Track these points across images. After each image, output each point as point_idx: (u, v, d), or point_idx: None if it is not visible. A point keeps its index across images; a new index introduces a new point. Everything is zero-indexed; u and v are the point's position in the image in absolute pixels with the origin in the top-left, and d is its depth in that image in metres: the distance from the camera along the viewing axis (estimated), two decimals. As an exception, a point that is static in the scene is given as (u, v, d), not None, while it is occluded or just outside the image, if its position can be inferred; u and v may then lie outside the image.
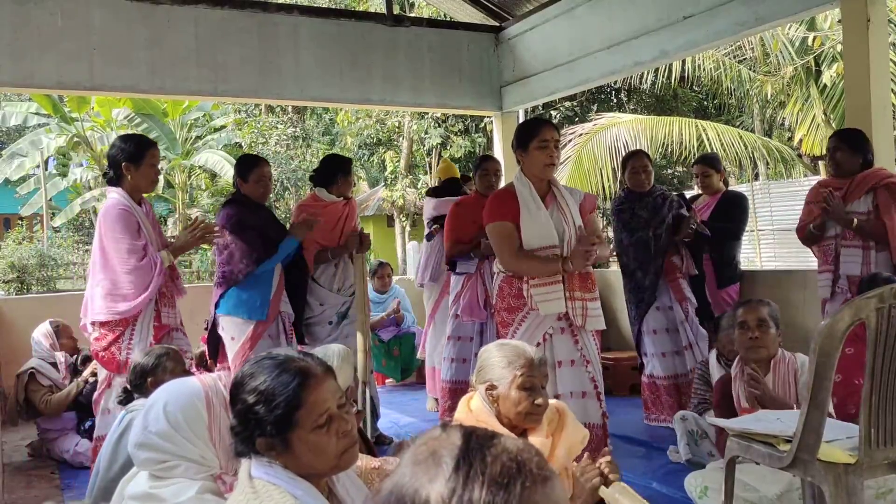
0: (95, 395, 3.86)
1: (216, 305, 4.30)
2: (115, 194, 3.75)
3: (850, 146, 4.09)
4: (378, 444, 4.51)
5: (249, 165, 4.45)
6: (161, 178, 18.03)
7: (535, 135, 3.49)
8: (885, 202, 3.96)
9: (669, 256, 4.90)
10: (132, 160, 3.74)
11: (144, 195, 3.90)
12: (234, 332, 4.24)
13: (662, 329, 4.92)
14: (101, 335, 3.70)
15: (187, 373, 3.04)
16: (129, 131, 17.49)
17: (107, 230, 3.68)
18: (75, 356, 5.00)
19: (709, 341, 4.74)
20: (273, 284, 4.32)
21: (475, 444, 0.89)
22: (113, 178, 3.79)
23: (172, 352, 3.08)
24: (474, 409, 2.36)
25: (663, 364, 4.89)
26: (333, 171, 4.78)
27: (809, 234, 4.23)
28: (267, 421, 1.57)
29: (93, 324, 3.72)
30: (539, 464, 0.88)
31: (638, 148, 5.99)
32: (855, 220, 3.98)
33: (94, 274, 3.73)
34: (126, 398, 2.97)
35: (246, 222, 4.25)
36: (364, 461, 2.08)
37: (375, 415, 4.78)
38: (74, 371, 4.91)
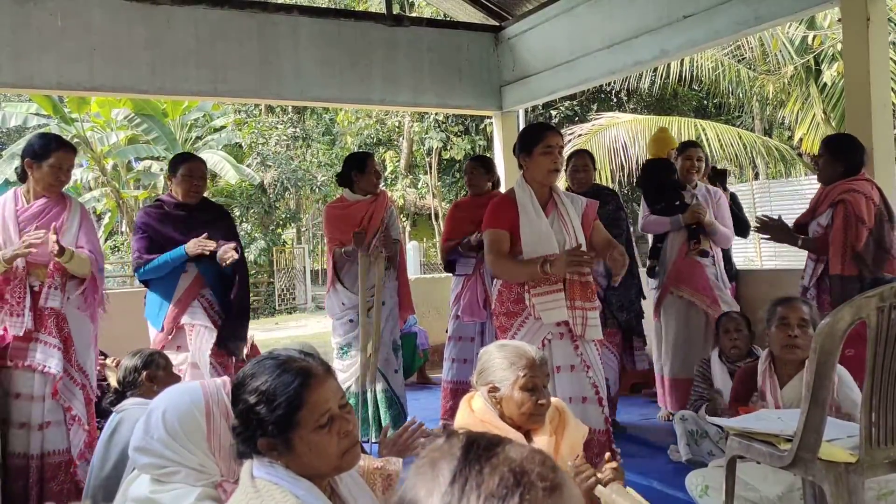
0: None
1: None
2: (8, 193, 3.67)
3: (830, 153, 3.98)
4: None
5: (179, 160, 4.20)
6: (162, 178, 18.15)
7: (540, 140, 3.46)
8: (837, 218, 3.80)
9: None
10: (35, 157, 3.61)
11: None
12: (150, 333, 4.07)
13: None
14: None
15: (177, 376, 3.06)
16: (129, 132, 17.54)
17: None
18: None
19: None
20: (175, 294, 3.98)
21: (474, 455, 0.87)
22: (22, 174, 3.67)
23: (161, 351, 3.13)
24: (477, 410, 2.35)
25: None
26: (349, 170, 4.80)
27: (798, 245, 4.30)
28: (268, 421, 1.57)
29: None
30: (542, 474, 0.85)
31: (583, 148, 6.08)
32: (800, 239, 4.02)
33: None
34: (116, 399, 2.96)
35: (143, 226, 4.02)
36: (366, 461, 2.08)
37: (404, 414, 4.74)
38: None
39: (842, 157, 3.94)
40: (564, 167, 5.13)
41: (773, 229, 4.10)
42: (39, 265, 3.63)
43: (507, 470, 0.84)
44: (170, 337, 3.97)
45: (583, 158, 5.07)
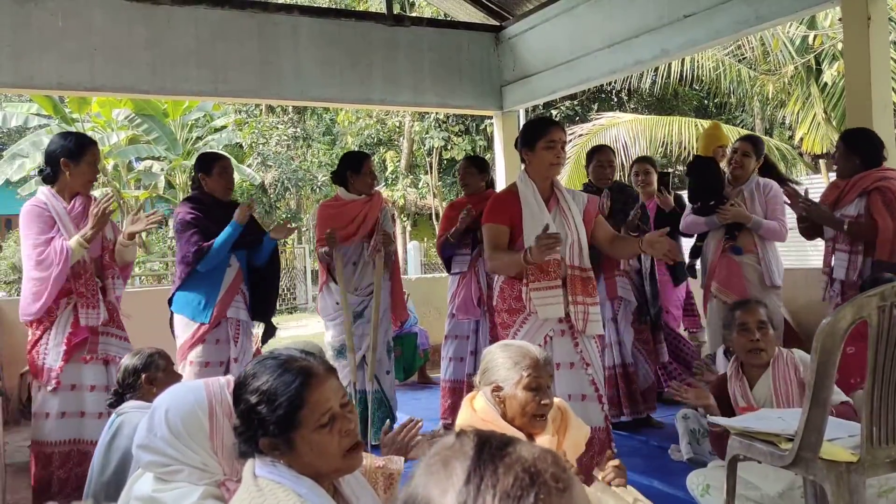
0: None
1: (170, 301, 4.21)
2: (39, 194, 3.72)
3: (846, 146, 4.03)
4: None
5: (214, 158, 4.34)
6: (163, 178, 18.21)
7: (543, 134, 3.46)
8: (876, 205, 3.87)
9: None
10: (72, 157, 3.69)
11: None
12: (180, 330, 4.13)
13: None
14: (30, 337, 3.71)
15: (177, 376, 3.03)
16: (130, 132, 17.55)
17: (21, 229, 3.68)
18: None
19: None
20: (221, 286, 4.11)
21: (487, 454, 0.87)
22: (50, 175, 3.73)
23: (162, 352, 3.07)
24: (479, 410, 2.35)
25: None
26: (344, 170, 4.81)
27: (801, 228, 4.29)
28: (270, 421, 1.57)
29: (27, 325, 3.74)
30: (555, 474, 0.85)
31: (604, 143, 5.95)
32: (846, 222, 3.94)
33: (23, 276, 3.74)
34: (116, 401, 2.94)
35: (192, 221, 4.09)
36: (368, 460, 2.08)
37: (392, 416, 4.78)
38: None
39: (857, 150, 3.97)
40: (585, 163, 5.15)
41: (818, 211, 4.00)
42: (93, 259, 3.80)
43: (522, 470, 0.85)
44: (210, 331, 4.07)
45: (607, 154, 5.07)
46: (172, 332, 4.24)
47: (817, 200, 4.21)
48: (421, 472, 0.89)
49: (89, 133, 16.91)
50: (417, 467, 0.91)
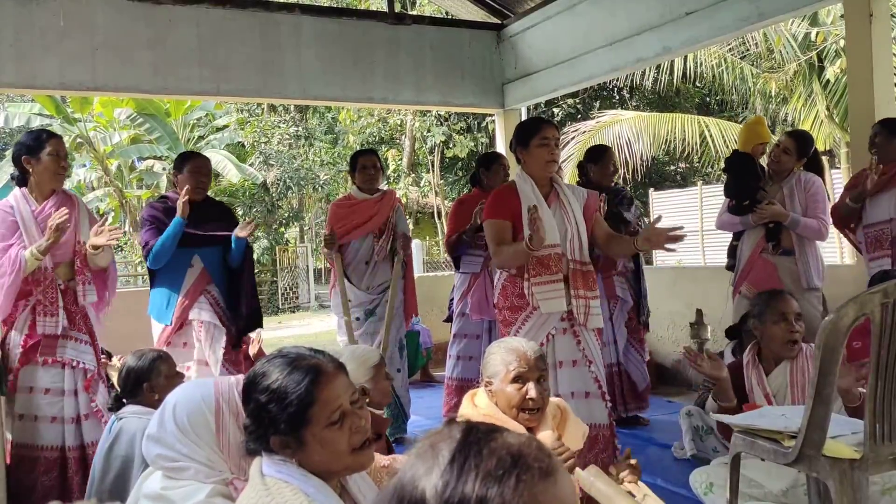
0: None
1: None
2: (10, 196, 3.66)
3: (889, 130, 3.93)
4: (399, 445, 4.52)
5: (185, 157, 4.24)
6: (165, 177, 18.21)
7: (535, 132, 3.48)
8: None
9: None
10: (31, 153, 3.64)
11: (65, 188, 3.79)
12: (154, 331, 4.09)
13: None
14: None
15: (180, 377, 3.00)
16: (132, 132, 17.56)
17: None
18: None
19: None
20: (182, 288, 4.00)
21: (473, 437, 0.89)
22: (20, 177, 3.69)
23: (165, 355, 3.03)
24: (480, 406, 2.37)
25: None
26: (351, 169, 4.89)
27: (846, 210, 4.06)
28: (280, 419, 1.57)
29: None
30: (538, 457, 0.87)
31: (606, 144, 5.85)
32: None
33: None
34: (116, 405, 2.92)
35: (150, 218, 4.03)
36: (374, 459, 2.08)
37: (404, 415, 4.80)
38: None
39: None
40: (585, 161, 5.12)
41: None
42: (61, 263, 3.72)
43: (505, 452, 0.87)
44: (176, 333, 3.99)
45: (612, 155, 5.13)
46: None
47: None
48: (411, 455, 0.92)
49: (91, 133, 16.94)
50: (409, 452, 0.93)
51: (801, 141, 4.49)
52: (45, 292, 3.62)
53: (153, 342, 4.04)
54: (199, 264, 4.07)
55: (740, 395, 3.08)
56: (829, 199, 4.51)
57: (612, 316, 4.90)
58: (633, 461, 2.10)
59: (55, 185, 3.75)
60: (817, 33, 10.50)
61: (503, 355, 2.35)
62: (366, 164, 4.83)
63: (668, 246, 3.31)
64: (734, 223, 4.58)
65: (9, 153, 17.63)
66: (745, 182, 4.54)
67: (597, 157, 5.04)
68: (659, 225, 3.30)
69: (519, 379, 2.30)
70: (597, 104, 15.45)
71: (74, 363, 3.65)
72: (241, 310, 4.15)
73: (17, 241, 3.57)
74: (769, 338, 3.10)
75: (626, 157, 11.98)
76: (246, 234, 4.09)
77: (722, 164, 6.20)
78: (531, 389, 2.29)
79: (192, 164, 4.11)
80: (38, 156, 3.64)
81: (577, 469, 1.98)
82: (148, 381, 2.90)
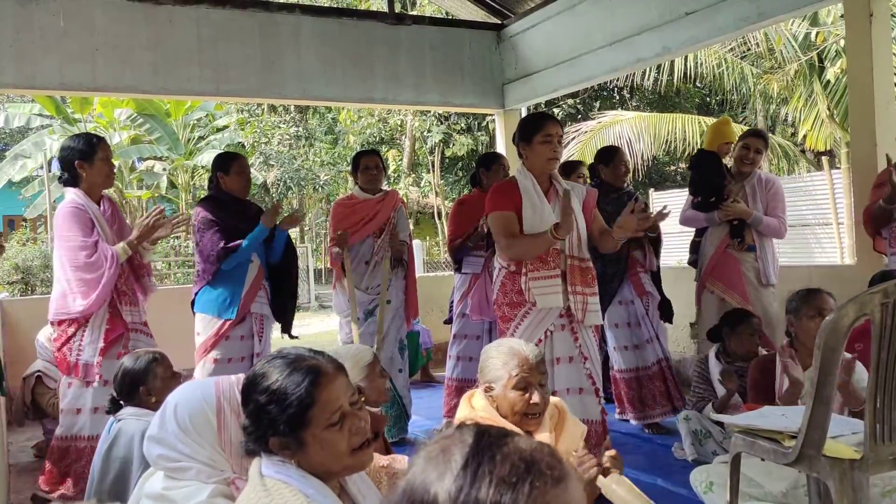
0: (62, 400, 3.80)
1: (192, 304, 4.24)
2: (71, 194, 3.74)
3: None
4: (400, 445, 4.52)
5: (231, 157, 4.37)
6: (165, 178, 18.23)
7: (539, 129, 3.50)
8: None
9: (632, 251, 4.87)
10: (85, 157, 3.72)
11: (105, 192, 3.89)
12: (201, 327, 4.16)
13: (624, 323, 4.90)
14: (58, 335, 3.72)
15: (177, 378, 2.97)
16: (132, 132, 17.57)
17: (58, 229, 3.69)
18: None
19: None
20: (245, 282, 4.17)
21: (486, 442, 0.89)
22: (69, 179, 3.77)
23: (161, 356, 3.01)
24: (478, 407, 2.35)
25: (624, 357, 4.89)
26: (353, 169, 4.92)
27: (878, 210, 3.95)
28: (280, 420, 1.57)
29: (52, 323, 3.75)
30: (551, 464, 0.87)
31: (616, 145, 5.90)
32: None
33: (56, 275, 3.76)
34: (114, 407, 2.91)
35: (214, 219, 4.13)
36: (373, 459, 2.08)
37: (406, 415, 4.81)
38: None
39: None
40: (597, 162, 5.11)
41: None
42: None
43: (519, 458, 0.87)
44: (236, 326, 4.13)
45: (624, 155, 5.11)
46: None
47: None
48: (421, 459, 0.91)
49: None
50: (417, 455, 0.93)
51: (767, 139, 4.81)
52: (126, 283, 3.79)
53: (193, 337, 4.19)
54: (257, 260, 4.25)
55: (768, 395, 3.08)
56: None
57: (647, 312, 4.87)
58: (612, 452, 2.08)
59: (107, 188, 3.92)
60: (817, 33, 10.50)
61: (504, 359, 2.32)
62: (369, 164, 4.84)
63: (639, 229, 3.45)
64: (699, 219, 4.78)
65: (9, 153, 17.73)
66: (711, 180, 4.75)
67: (608, 159, 5.03)
68: (626, 216, 3.40)
69: (522, 384, 2.28)
70: (597, 104, 15.47)
71: None
72: (287, 303, 4.41)
73: (99, 238, 3.69)
74: (805, 332, 3.10)
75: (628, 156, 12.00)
76: (291, 226, 4.36)
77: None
78: (535, 395, 2.27)
79: (237, 165, 4.28)
80: (92, 160, 3.74)
81: (600, 476, 1.96)
82: (144, 385, 2.88)
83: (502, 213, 3.52)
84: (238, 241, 4.10)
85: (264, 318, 4.27)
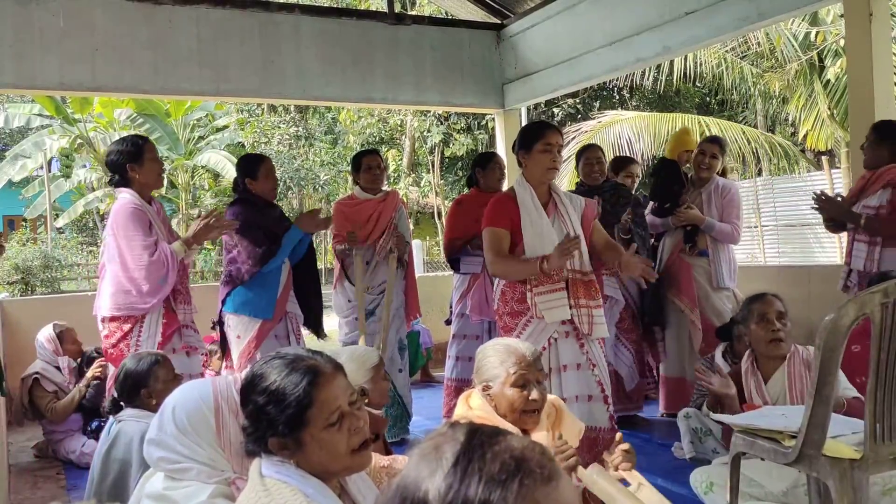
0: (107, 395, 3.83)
1: (223, 303, 4.27)
2: (126, 193, 3.74)
3: (877, 136, 3.96)
4: (401, 445, 4.52)
5: (257, 161, 4.39)
6: (165, 177, 18.20)
7: (539, 137, 3.48)
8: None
9: None
10: (134, 159, 3.74)
11: (154, 193, 3.92)
12: (240, 330, 4.21)
13: None
14: (111, 332, 3.69)
15: (178, 380, 2.97)
16: (132, 132, 17.55)
17: (119, 228, 3.67)
18: (80, 359, 5.00)
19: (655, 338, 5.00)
20: (280, 283, 4.25)
21: (477, 440, 0.90)
22: (120, 181, 3.78)
23: (163, 359, 3.02)
24: (475, 407, 2.35)
25: None
26: (354, 169, 4.92)
27: (825, 225, 4.26)
28: (278, 421, 1.57)
29: (102, 320, 3.71)
30: (541, 462, 0.88)
31: (592, 142, 5.98)
32: (863, 217, 3.88)
33: (106, 271, 3.73)
34: (114, 408, 2.91)
35: (252, 221, 4.18)
36: (373, 459, 2.08)
37: (407, 414, 4.81)
38: (80, 373, 4.91)
39: (887, 141, 3.92)
40: (575, 163, 5.14)
41: (833, 206, 4.03)
42: None
43: (509, 456, 0.87)
44: (274, 326, 4.21)
45: (595, 152, 5.07)
46: (220, 331, 4.35)
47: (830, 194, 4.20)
48: (414, 456, 0.92)
49: (91, 133, 16.94)
50: (412, 453, 0.93)
51: (723, 144, 4.98)
52: (181, 282, 3.83)
53: (248, 337, 4.22)
54: (287, 262, 4.34)
55: (742, 401, 3.08)
56: (834, 195, 4.59)
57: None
58: (625, 445, 2.09)
59: (158, 187, 3.97)
60: (817, 33, 10.50)
61: (501, 357, 2.33)
62: (370, 164, 4.84)
63: (645, 277, 3.48)
64: (656, 225, 4.98)
65: (9, 153, 17.72)
66: (669, 187, 4.95)
67: (579, 155, 5.11)
68: (635, 258, 3.43)
69: (520, 382, 2.29)
70: (597, 104, 15.46)
71: (200, 351, 3.91)
72: (313, 303, 4.49)
73: (157, 237, 3.72)
74: (755, 339, 3.13)
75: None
76: (314, 230, 4.41)
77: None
78: (533, 392, 2.29)
79: (264, 168, 4.33)
80: (142, 161, 3.76)
81: (580, 468, 1.97)
82: (146, 387, 2.88)
83: (495, 230, 3.51)
84: (279, 244, 4.20)
85: (297, 318, 4.38)
